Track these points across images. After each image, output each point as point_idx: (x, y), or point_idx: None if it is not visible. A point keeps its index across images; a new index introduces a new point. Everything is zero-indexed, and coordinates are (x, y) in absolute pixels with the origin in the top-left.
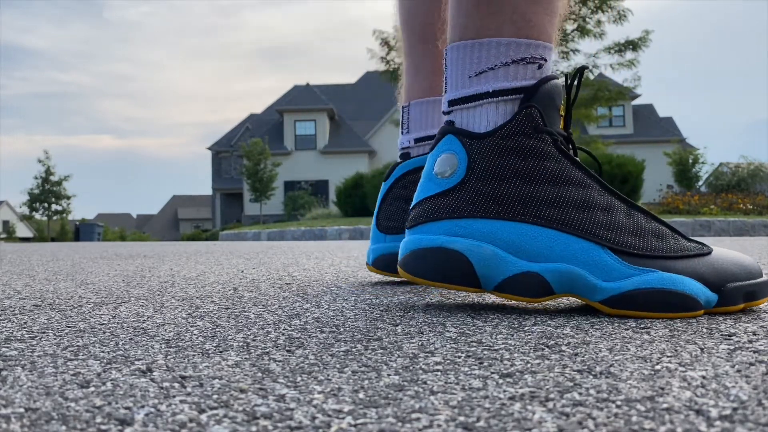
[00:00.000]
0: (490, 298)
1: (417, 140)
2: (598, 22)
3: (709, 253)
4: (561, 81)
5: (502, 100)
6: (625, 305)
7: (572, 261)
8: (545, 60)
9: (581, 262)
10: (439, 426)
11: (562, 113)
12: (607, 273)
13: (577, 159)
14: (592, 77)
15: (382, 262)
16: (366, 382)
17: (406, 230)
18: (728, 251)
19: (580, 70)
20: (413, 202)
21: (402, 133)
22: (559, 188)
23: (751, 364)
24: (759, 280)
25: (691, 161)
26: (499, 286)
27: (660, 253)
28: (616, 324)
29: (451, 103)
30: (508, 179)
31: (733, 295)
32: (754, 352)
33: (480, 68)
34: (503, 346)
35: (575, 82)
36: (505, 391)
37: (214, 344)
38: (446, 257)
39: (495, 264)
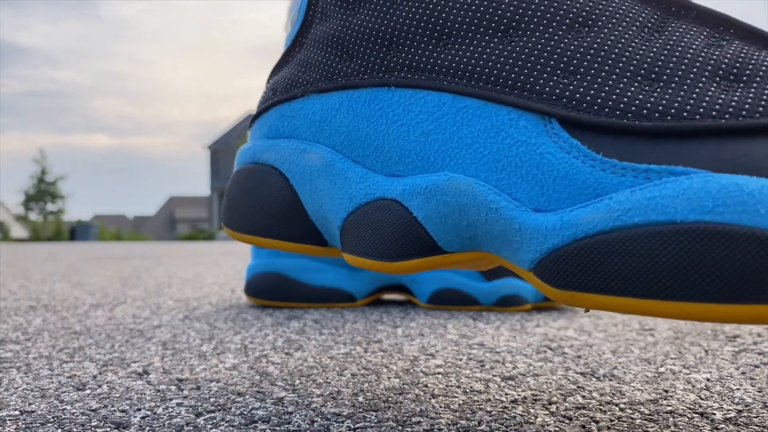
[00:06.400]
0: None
1: None
2: None
3: None
4: None
5: None
6: (597, 275)
7: (470, 163)
8: None
9: (489, 165)
10: (440, 430)
11: None
12: (550, 187)
13: None
14: None
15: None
16: (366, 385)
17: None
18: None
19: None
20: None
21: None
22: None
23: (756, 366)
24: None
25: None
26: (341, 234)
27: (729, 115)
28: (620, 326)
29: None
30: (364, 2)
31: None
32: (759, 354)
33: None
34: (505, 348)
35: None
36: (507, 394)
37: (212, 346)
38: (259, 182)
39: (327, 186)
